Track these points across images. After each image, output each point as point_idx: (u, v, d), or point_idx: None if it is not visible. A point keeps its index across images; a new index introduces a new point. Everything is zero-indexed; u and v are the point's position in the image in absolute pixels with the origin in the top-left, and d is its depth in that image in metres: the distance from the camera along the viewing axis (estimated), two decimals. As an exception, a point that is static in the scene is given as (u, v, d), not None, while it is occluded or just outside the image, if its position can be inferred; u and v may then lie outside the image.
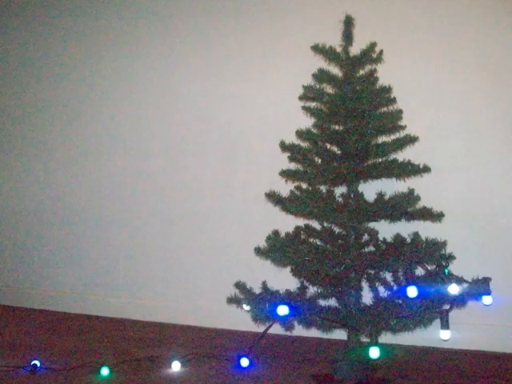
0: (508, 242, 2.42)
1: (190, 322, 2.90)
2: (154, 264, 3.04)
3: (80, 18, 3.16)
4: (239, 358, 2.18)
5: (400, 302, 2.02)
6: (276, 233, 2.27)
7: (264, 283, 2.25)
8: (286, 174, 2.27)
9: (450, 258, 2.14)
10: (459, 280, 2.10)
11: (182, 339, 2.68)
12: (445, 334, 2.03)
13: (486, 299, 2.06)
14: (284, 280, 2.35)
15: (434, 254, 2.07)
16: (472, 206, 2.44)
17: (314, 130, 2.24)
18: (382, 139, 2.23)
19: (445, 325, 2.01)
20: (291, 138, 2.25)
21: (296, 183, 2.29)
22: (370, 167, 2.16)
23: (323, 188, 2.29)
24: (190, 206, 2.95)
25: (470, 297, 2.10)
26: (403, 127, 2.23)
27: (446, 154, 2.47)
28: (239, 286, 2.23)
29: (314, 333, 2.35)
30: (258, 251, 2.21)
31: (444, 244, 2.12)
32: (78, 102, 3.18)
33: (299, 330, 2.33)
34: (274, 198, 2.26)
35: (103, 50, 3.11)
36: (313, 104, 2.25)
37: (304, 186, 2.26)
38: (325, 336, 2.42)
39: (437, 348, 2.44)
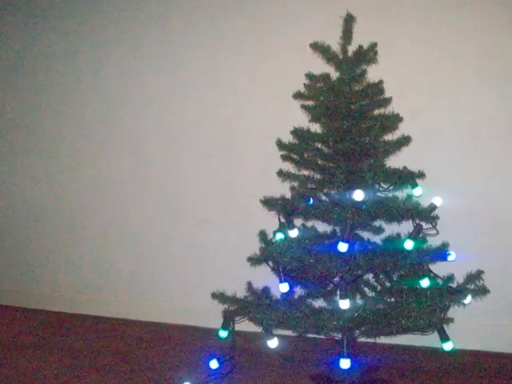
0: (508, 240, 2.42)
1: (190, 322, 2.89)
2: (153, 264, 3.03)
3: (79, 17, 3.15)
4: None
5: (399, 301, 2.02)
6: (263, 233, 2.25)
7: (249, 284, 2.24)
8: (283, 175, 2.26)
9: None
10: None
11: (182, 339, 2.68)
12: (447, 345, 2.04)
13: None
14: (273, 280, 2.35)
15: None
16: (471, 205, 2.43)
17: (311, 130, 2.23)
18: (380, 139, 2.21)
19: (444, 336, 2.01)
20: (291, 138, 2.24)
21: (293, 183, 2.28)
22: (367, 167, 2.15)
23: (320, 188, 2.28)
24: (190, 206, 2.94)
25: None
26: (398, 126, 2.22)
27: (446, 153, 2.46)
28: (216, 296, 2.21)
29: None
30: (250, 260, 2.20)
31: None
32: (77, 101, 3.17)
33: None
34: (269, 203, 2.25)
35: (103, 48, 3.10)
36: (310, 103, 2.24)
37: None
38: (324, 336, 2.42)
39: (437, 348, 2.43)
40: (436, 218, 2.17)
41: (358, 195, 2.01)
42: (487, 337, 2.40)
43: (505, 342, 2.39)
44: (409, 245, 2.01)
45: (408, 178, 2.12)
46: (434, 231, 2.14)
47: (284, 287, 2.13)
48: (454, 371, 2.22)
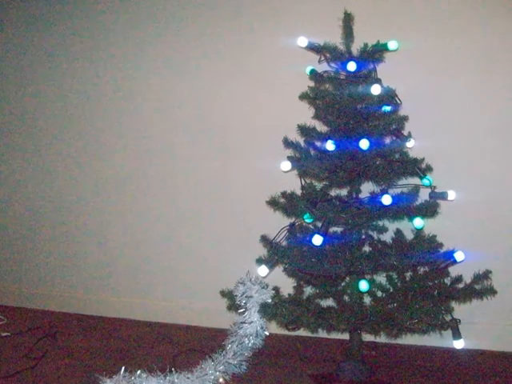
0: (509, 237, 2.42)
1: (190, 322, 2.89)
2: (154, 264, 3.03)
3: (79, 18, 3.14)
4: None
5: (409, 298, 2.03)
6: (264, 238, 2.26)
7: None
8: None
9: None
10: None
11: (182, 339, 2.67)
12: (458, 343, 2.03)
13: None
14: (284, 280, 2.35)
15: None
16: (472, 202, 2.42)
17: (317, 129, 2.23)
18: (384, 139, 2.21)
19: (457, 334, 2.01)
20: (291, 138, 2.25)
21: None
22: (372, 167, 2.15)
23: (326, 187, 2.28)
24: (190, 206, 2.93)
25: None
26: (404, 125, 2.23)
27: (447, 153, 2.46)
28: (225, 294, 2.24)
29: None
30: (260, 261, 2.21)
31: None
32: (77, 102, 3.17)
33: (300, 330, 2.32)
34: (274, 205, 2.26)
35: (102, 50, 3.10)
36: (316, 102, 2.24)
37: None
38: (325, 336, 2.42)
39: (437, 348, 2.43)
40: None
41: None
42: (487, 336, 2.40)
43: (505, 341, 2.39)
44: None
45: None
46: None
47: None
48: (454, 371, 2.21)
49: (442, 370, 2.22)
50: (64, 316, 3.10)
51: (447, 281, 2.16)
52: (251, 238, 2.36)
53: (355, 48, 2.22)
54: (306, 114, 2.29)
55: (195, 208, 2.92)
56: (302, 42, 2.27)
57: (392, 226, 2.27)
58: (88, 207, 3.16)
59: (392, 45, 2.17)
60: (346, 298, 2.27)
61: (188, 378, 2.00)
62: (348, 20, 2.19)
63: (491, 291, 2.08)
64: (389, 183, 2.17)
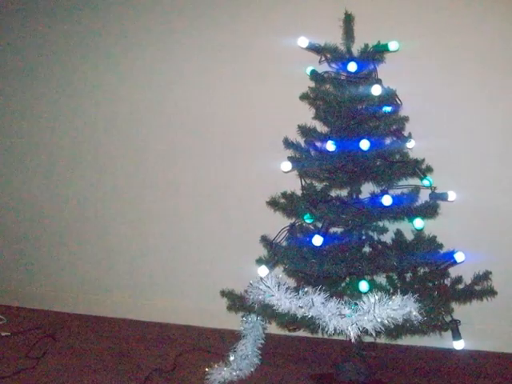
0: (509, 237, 2.41)
1: (190, 322, 2.89)
2: (153, 264, 3.03)
3: (79, 19, 3.14)
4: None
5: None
6: (265, 238, 2.26)
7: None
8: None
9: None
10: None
11: (182, 339, 2.67)
12: (458, 344, 2.03)
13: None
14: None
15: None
16: (473, 203, 2.42)
17: (318, 130, 2.23)
18: (384, 139, 2.21)
19: (457, 335, 2.01)
20: (291, 138, 2.25)
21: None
22: (373, 168, 2.15)
23: (326, 188, 2.28)
24: (190, 207, 2.93)
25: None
26: (404, 126, 2.23)
27: (447, 153, 2.45)
28: (225, 294, 2.24)
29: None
30: (260, 261, 2.21)
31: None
32: (78, 102, 3.16)
33: (300, 331, 2.32)
34: (275, 205, 2.26)
35: (102, 50, 3.09)
36: (317, 103, 2.24)
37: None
38: (325, 336, 2.42)
39: (437, 348, 2.43)
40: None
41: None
42: (488, 337, 2.40)
43: (505, 341, 2.39)
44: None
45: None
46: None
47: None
48: (454, 371, 2.21)
49: (441, 371, 2.22)
50: (64, 316, 3.10)
51: (447, 281, 2.16)
52: (251, 238, 2.36)
53: (356, 48, 2.23)
54: (306, 115, 2.29)
55: (195, 208, 2.92)
56: (303, 42, 2.27)
57: (392, 227, 2.27)
58: (88, 207, 3.16)
59: (393, 45, 2.17)
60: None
61: None
62: (348, 20, 2.20)
63: (491, 292, 2.09)
64: (389, 184, 2.17)
